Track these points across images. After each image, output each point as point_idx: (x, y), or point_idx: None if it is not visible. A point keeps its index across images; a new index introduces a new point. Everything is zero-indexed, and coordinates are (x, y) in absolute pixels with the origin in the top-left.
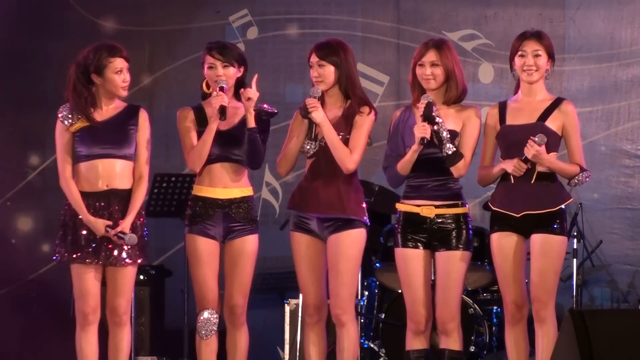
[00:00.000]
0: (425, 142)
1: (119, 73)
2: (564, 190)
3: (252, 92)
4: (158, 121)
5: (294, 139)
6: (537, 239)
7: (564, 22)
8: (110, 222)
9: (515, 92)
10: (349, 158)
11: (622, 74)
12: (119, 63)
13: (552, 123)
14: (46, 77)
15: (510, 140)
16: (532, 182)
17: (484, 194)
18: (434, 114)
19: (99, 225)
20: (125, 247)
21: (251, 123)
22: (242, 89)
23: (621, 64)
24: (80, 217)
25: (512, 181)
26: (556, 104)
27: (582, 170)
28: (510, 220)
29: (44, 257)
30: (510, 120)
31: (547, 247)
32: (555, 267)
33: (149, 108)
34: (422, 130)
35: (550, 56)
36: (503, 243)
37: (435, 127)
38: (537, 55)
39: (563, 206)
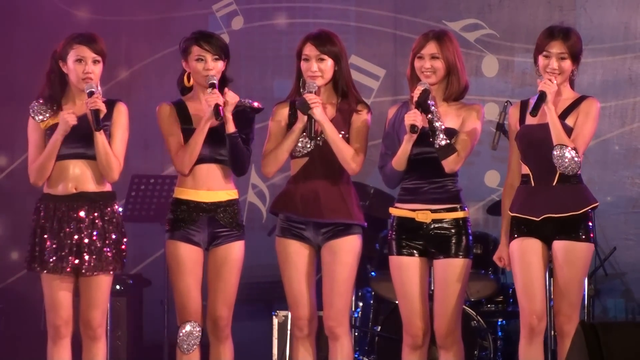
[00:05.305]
0: (417, 130)
1: (79, 62)
2: (590, 193)
3: (231, 96)
4: (136, 119)
5: (287, 137)
6: (560, 246)
7: (574, 10)
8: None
9: None
10: (354, 159)
11: (638, 67)
12: (82, 51)
13: (571, 122)
14: (15, 71)
15: (528, 140)
16: (554, 184)
17: (487, 197)
18: (429, 102)
19: (69, 116)
20: (105, 250)
21: (231, 128)
22: (224, 91)
23: (636, 56)
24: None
25: (533, 184)
26: (578, 102)
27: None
28: (531, 225)
29: (13, 266)
30: (530, 120)
31: (571, 255)
32: (580, 277)
33: (126, 104)
34: (412, 116)
35: (575, 58)
36: (524, 247)
37: (429, 116)
38: (562, 59)
39: (588, 209)
